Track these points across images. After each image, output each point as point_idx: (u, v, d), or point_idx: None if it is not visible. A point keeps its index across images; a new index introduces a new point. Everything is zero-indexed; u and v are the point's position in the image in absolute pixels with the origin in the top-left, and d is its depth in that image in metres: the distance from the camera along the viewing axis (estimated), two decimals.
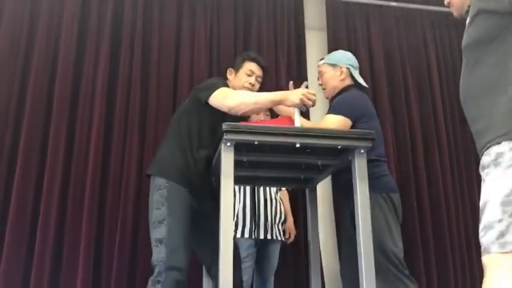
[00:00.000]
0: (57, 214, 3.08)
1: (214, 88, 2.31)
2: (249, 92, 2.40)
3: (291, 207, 3.25)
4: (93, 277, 3.04)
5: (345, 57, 2.64)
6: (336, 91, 2.59)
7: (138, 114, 3.38)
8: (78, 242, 3.06)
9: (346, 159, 2.06)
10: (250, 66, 2.57)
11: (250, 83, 2.54)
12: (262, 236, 2.93)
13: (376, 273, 1.93)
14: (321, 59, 2.74)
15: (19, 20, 3.40)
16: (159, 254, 2.14)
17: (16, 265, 2.95)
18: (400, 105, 3.89)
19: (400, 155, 3.76)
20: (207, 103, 2.31)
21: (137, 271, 3.10)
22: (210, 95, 2.30)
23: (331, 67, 2.61)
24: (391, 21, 4.12)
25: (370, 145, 1.97)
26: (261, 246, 3.02)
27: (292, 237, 3.17)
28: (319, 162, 2.26)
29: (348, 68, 2.60)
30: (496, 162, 1.39)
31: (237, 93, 2.34)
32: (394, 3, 4.09)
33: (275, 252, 3.06)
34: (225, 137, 1.88)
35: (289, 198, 3.27)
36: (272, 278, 3.04)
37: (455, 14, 1.72)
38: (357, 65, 2.66)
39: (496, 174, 1.38)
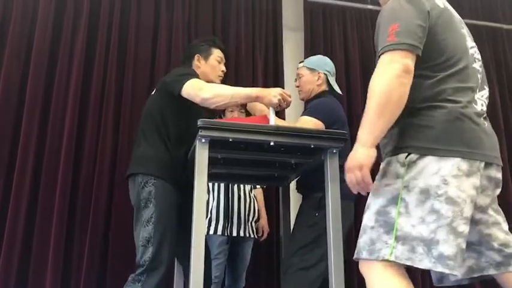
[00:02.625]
0: (28, 206, 3.04)
1: (186, 79, 2.24)
2: (225, 85, 2.34)
3: (264, 205, 3.28)
4: (62, 275, 3.01)
5: (323, 63, 2.71)
6: (312, 95, 2.65)
7: (113, 110, 3.35)
8: (48, 234, 3.03)
9: (319, 159, 2.09)
10: (218, 53, 2.53)
11: (222, 71, 2.52)
12: (235, 233, 2.95)
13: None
14: (300, 62, 2.80)
15: None
16: (145, 254, 2.08)
17: None
18: None
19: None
20: (180, 95, 2.23)
21: (108, 265, 3.09)
22: (182, 86, 2.22)
23: (310, 71, 2.68)
24: (367, 23, 4.19)
25: (342, 145, 2.01)
26: (234, 244, 3.03)
27: (265, 235, 3.19)
28: (293, 161, 2.29)
29: (326, 74, 2.67)
30: (383, 171, 1.50)
31: (213, 85, 2.30)
32: (370, 6, 4.15)
33: (247, 250, 3.08)
34: (199, 133, 1.89)
35: (263, 196, 3.29)
36: (244, 275, 3.06)
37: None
38: (334, 71, 2.73)
39: (381, 182, 1.49)
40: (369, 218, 1.47)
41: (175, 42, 3.59)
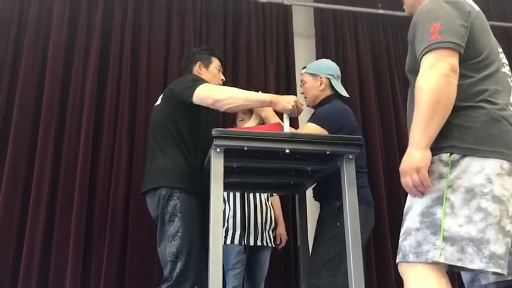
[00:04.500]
0: (45, 220, 3.05)
1: (197, 84, 2.23)
2: (238, 88, 2.34)
3: (281, 212, 3.26)
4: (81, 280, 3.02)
5: (325, 67, 2.64)
6: (317, 101, 2.60)
7: (127, 121, 3.36)
8: (67, 243, 3.04)
9: (335, 165, 2.07)
10: (217, 62, 2.57)
11: (222, 79, 2.55)
12: (252, 243, 2.93)
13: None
14: (303, 68, 2.74)
15: (7, 20, 3.39)
16: (174, 269, 2.07)
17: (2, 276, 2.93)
18: (388, 112, 3.92)
19: (389, 162, 3.78)
20: (192, 103, 2.22)
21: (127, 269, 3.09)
22: (194, 92, 2.21)
23: (312, 77, 2.62)
24: (378, 28, 4.17)
25: (359, 151, 1.99)
26: (251, 253, 3.02)
27: (284, 242, 3.17)
28: (309, 168, 2.27)
29: (328, 79, 2.60)
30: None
31: (226, 87, 2.31)
32: (381, 11, 4.13)
33: (265, 259, 3.05)
34: (214, 142, 1.88)
35: (280, 204, 3.27)
36: (262, 284, 3.03)
37: (406, 12, 1.81)
38: (339, 74, 2.66)
39: None
40: (413, 220, 1.44)
41: (188, 48, 3.59)
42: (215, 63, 2.55)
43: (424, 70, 1.46)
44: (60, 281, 2.98)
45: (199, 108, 2.25)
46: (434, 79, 1.42)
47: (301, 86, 2.72)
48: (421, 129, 1.43)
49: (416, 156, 1.43)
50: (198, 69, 2.51)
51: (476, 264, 1.32)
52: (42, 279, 2.97)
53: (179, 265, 2.06)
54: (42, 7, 3.47)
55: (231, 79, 3.56)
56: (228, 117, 3.39)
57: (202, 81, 2.30)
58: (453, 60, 1.44)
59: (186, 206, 2.15)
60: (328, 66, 2.65)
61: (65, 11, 3.47)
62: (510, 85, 1.59)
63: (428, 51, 1.46)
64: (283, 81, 3.80)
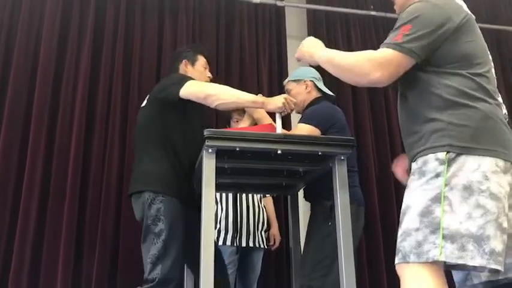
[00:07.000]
0: (36, 221, 3.04)
1: (185, 80, 2.23)
2: (230, 87, 2.33)
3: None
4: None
5: (306, 71, 2.70)
6: (306, 104, 2.63)
7: (119, 118, 3.36)
8: (58, 239, 3.03)
9: (327, 166, 2.08)
10: (203, 59, 2.56)
11: (209, 77, 2.53)
12: (244, 244, 2.93)
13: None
14: (284, 79, 2.80)
15: None
16: (154, 271, 2.05)
17: None
18: (380, 113, 3.94)
19: (381, 162, 3.79)
20: (180, 101, 2.20)
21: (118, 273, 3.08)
22: (181, 87, 2.19)
23: (296, 83, 2.67)
24: (371, 29, 4.19)
25: (351, 152, 1.99)
26: (244, 254, 3.01)
27: (277, 243, 3.17)
28: (301, 169, 2.27)
29: (312, 81, 2.65)
30: (420, 170, 1.47)
31: (219, 85, 2.33)
32: (374, 13, 4.15)
33: (258, 260, 3.06)
34: (206, 143, 1.87)
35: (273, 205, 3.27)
36: (255, 286, 3.04)
37: (397, 12, 1.83)
38: (320, 76, 2.71)
39: (420, 182, 1.46)
40: (411, 220, 1.43)
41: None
42: (201, 60, 2.54)
43: (372, 56, 1.56)
44: (51, 276, 2.96)
45: (189, 108, 2.24)
46: (365, 70, 1.54)
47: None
48: (327, 58, 1.81)
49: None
50: (184, 67, 2.50)
51: (477, 261, 1.31)
52: (34, 272, 2.96)
53: (159, 267, 2.05)
54: (34, 4, 3.45)
55: (224, 79, 3.56)
56: (220, 118, 3.38)
57: (191, 78, 2.30)
58: (401, 67, 1.51)
59: (170, 209, 2.13)
60: (309, 71, 2.70)
61: (57, 9, 3.45)
62: (496, 86, 1.61)
63: (387, 48, 1.53)
64: (276, 82, 3.80)
